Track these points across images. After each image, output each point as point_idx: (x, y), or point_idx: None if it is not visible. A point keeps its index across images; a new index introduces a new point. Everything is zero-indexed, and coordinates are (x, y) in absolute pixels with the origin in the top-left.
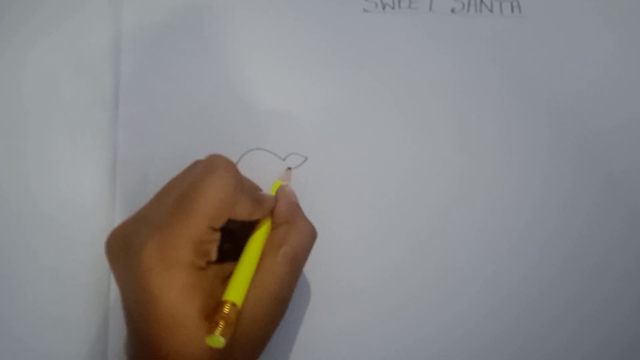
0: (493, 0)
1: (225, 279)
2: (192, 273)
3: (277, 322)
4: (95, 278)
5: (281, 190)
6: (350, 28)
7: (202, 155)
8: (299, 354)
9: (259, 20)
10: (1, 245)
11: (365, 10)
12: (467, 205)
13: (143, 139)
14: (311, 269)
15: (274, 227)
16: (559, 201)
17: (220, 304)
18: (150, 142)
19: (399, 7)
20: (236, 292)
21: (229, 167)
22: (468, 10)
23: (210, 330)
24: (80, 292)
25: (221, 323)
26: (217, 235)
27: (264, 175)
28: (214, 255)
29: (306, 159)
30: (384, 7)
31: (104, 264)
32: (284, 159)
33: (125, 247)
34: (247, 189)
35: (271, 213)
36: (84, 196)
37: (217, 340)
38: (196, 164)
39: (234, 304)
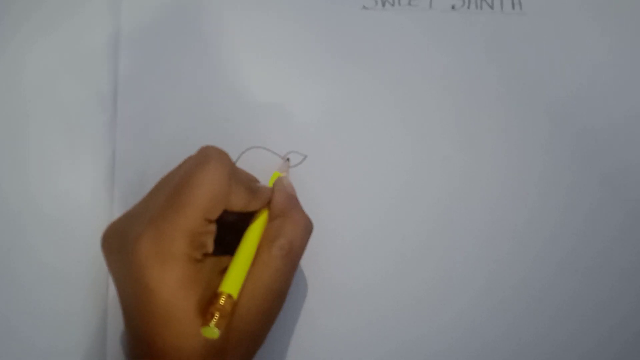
0: None
1: (222, 271)
2: (188, 266)
3: (274, 315)
4: (93, 276)
5: (279, 182)
6: (349, 25)
7: None
8: (297, 353)
9: (257, 18)
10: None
11: (364, 7)
12: (465, 204)
13: (141, 139)
14: (310, 266)
15: (270, 219)
16: (558, 200)
17: (215, 295)
18: (149, 141)
19: (399, 4)
20: (232, 284)
21: (222, 157)
22: (468, 7)
23: (205, 322)
24: (79, 290)
25: (216, 314)
26: (213, 227)
27: (263, 174)
28: (210, 247)
29: (305, 157)
30: (383, 4)
31: (102, 261)
32: (282, 157)
33: (120, 241)
34: (241, 179)
35: (268, 205)
36: (82, 195)
37: (212, 331)
38: (189, 158)
39: (229, 296)
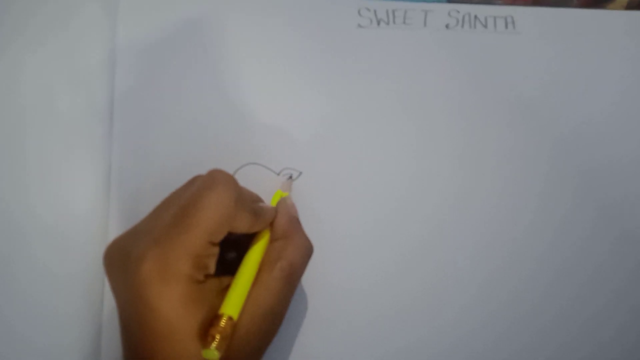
0: (487, 17)
1: (223, 291)
2: (191, 286)
3: (272, 335)
4: (89, 288)
5: (282, 203)
6: (345, 43)
7: (195, 168)
8: (295, 356)
9: (253, 35)
10: None
11: (360, 26)
12: (463, 217)
13: (137, 152)
14: (309, 280)
15: (272, 241)
16: (557, 212)
17: (217, 317)
18: (145, 155)
19: (394, 22)
20: (233, 305)
21: (229, 182)
22: (462, 26)
23: (207, 344)
24: (73, 303)
25: (217, 336)
26: (216, 250)
27: (259, 190)
28: (212, 269)
29: (300, 173)
30: (378, 23)
31: (97, 274)
32: (278, 174)
33: (123, 259)
34: (247, 202)
35: (271, 225)
36: (78, 208)
37: (213, 353)
38: (196, 178)
39: (230, 318)
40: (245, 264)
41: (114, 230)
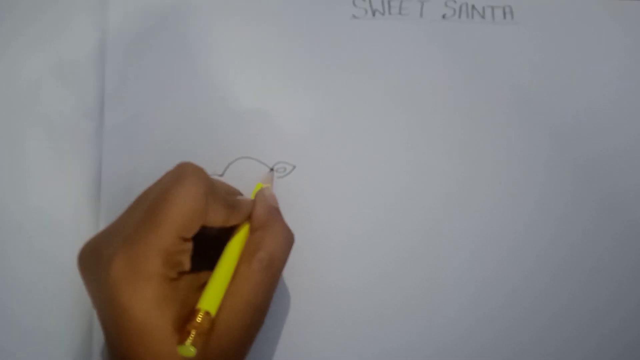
0: (485, 7)
1: (201, 288)
2: (163, 285)
3: (255, 330)
4: (78, 290)
5: (260, 193)
6: (339, 35)
7: None
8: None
9: (246, 28)
10: None
11: (354, 17)
12: (461, 213)
13: (128, 149)
14: (301, 277)
15: (251, 232)
16: (556, 209)
17: (193, 312)
18: (135, 152)
19: (389, 13)
20: (210, 300)
21: (199, 174)
22: (459, 17)
23: (182, 340)
24: (63, 305)
25: (192, 332)
26: (189, 245)
27: (252, 184)
28: (186, 265)
29: (294, 167)
30: (373, 14)
31: None
32: (271, 168)
33: (95, 260)
34: (220, 195)
35: (249, 217)
36: (67, 206)
37: (188, 349)
38: (167, 174)
39: (207, 313)
40: (224, 257)
41: (104, 224)
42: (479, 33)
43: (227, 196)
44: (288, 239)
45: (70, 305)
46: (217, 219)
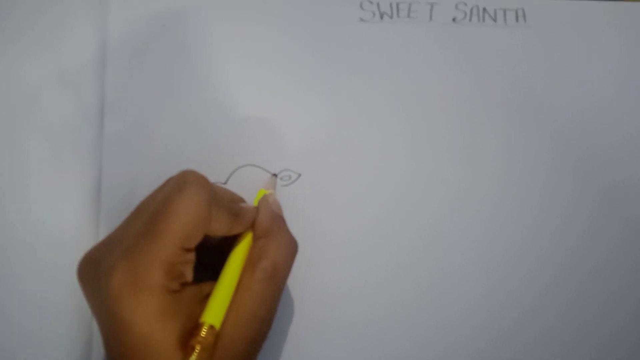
0: (497, 9)
1: (205, 298)
2: (165, 297)
3: (260, 342)
4: (78, 300)
5: (263, 200)
6: (346, 38)
7: None
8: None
9: (250, 33)
10: None
11: (362, 20)
12: (464, 220)
13: (129, 156)
14: (307, 285)
15: (254, 240)
16: (556, 212)
17: (197, 326)
18: (136, 159)
19: (398, 16)
20: (214, 313)
21: (201, 182)
22: (470, 20)
23: (186, 356)
24: (63, 315)
25: (197, 347)
26: (192, 256)
27: (256, 192)
28: (189, 277)
29: (299, 175)
30: (381, 17)
31: None
32: (274, 174)
33: (95, 272)
34: (223, 203)
35: (253, 224)
36: (67, 214)
37: None
38: (168, 180)
39: (211, 327)
40: (227, 268)
41: (104, 233)
42: (490, 37)
43: (230, 204)
44: (292, 248)
45: (70, 316)
46: (220, 227)
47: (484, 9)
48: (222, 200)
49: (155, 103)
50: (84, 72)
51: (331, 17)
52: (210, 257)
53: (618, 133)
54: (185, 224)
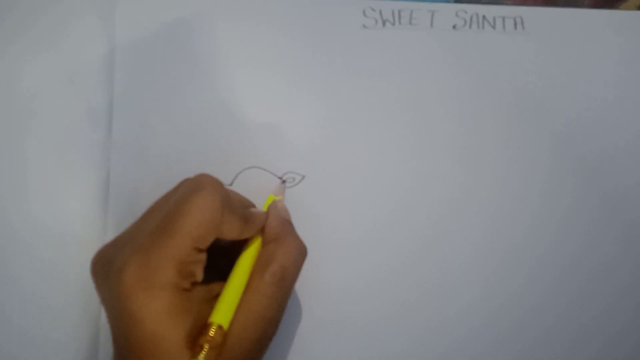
0: (496, 17)
1: (213, 299)
2: (176, 295)
3: (266, 344)
4: (86, 299)
5: (273, 206)
6: (349, 44)
7: (196, 172)
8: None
9: (255, 38)
10: None
11: (364, 27)
12: (466, 221)
13: (136, 158)
14: (311, 285)
15: (263, 245)
16: (556, 213)
17: (205, 326)
18: (144, 160)
19: (399, 23)
20: (223, 314)
21: (216, 186)
22: (470, 27)
23: (194, 354)
24: (71, 314)
25: (205, 346)
26: (203, 256)
27: (260, 194)
28: (199, 276)
29: (303, 177)
30: (383, 23)
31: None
32: (280, 177)
33: (107, 268)
34: (235, 208)
35: (262, 230)
36: (74, 217)
37: None
38: (183, 182)
39: (220, 327)
40: (236, 270)
41: (112, 234)
42: (489, 43)
43: (241, 209)
44: (301, 252)
45: (76, 316)
46: (231, 231)
47: (484, 17)
48: (235, 205)
49: (162, 105)
50: (92, 75)
51: (335, 23)
52: (219, 260)
53: (616, 137)
54: (198, 225)
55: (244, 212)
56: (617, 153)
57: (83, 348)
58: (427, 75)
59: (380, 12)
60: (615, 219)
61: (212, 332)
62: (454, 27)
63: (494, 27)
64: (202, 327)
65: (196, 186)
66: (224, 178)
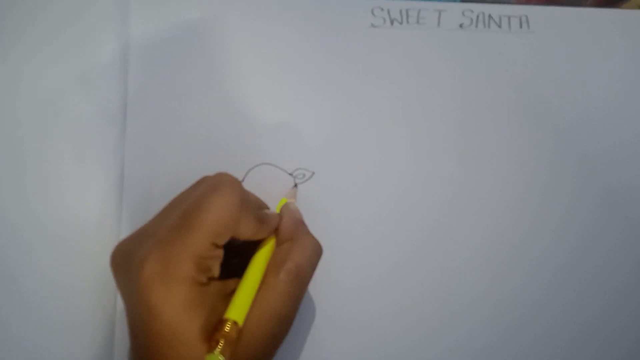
0: (502, 16)
1: (228, 296)
2: (193, 288)
3: (280, 341)
4: (101, 293)
5: (285, 207)
6: (357, 43)
7: (208, 169)
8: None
9: (266, 36)
10: (7, 260)
11: (372, 26)
12: (474, 217)
13: (150, 154)
14: (321, 279)
15: (278, 244)
16: (557, 213)
17: (221, 321)
18: (158, 157)
19: (407, 22)
20: (238, 310)
21: (235, 185)
22: (476, 26)
23: (210, 349)
24: (86, 307)
25: (221, 341)
26: (220, 252)
27: (271, 191)
28: (216, 272)
29: (313, 174)
30: (391, 23)
31: (109, 278)
32: (290, 174)
33: (127, 261)
34: (252, 208)
35: (276, 231)
36: (90, 210)
37: (217, 358)
38: (203, 179)
39: (235, 323)
40: (251, 268)
41: (126, 234)
42: (495, 42)
43: (257, 210)
44: (316, 251)
45: (91, 311)
46: (247, 231)
47: (490, 16)
48: (251, 206)
49: (175, 103)
50: (107, 73)
51: (343, 22)
52: (233, 258)
53: (619, 136)
54: (217, 221)
55: (259, 213)
56: (619, 151)
57: (100, 334)
58: (435, 74)
59: (389, 11)
60: (616, 218)
61: (227, 328)
62: (460, 26)
63: (499, 26)
64: (217, 322)
65: (216, 184)
66: (236, 175)
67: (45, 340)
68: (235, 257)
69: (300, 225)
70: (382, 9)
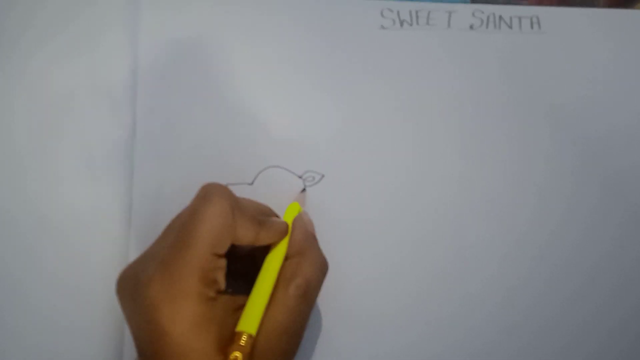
0: (512, 17)
1: (237, 310)
2: (201, 304)
3: (291, 355)
4: (110, 295)
5: (298, 219)
6: (367, 45)
7: (217, 174)
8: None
9: (276, 38)
10: (16, 263)
11: (382, 27)
12: (485, 218)
13: (160, 158)
14: (330, 283)
15: (287, 258)
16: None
17: (236, 335)
18: (167, 161)
19: (417, 23)
20: (251, 322)
21: (223, 192)
22: (487, 27)
23: None
24: (96, 309)
25: (239, 356)
26: (223, 262)
27: (281, 194)
28: (222, 284)
29: (323, 176)
30: (401, 24)
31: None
32: (300, 177)
33: (132, 285)
34: (247, 212)
35: (287, 242)
36: (99, 215)
37: None
38: (194, 196)
39: (250, 336)
40: (261, 281)
41: (135, 236)
42: (506, 43)
43: (254, 213)
44: (323, 267)
45: (100, 322)
46: (246, 234)
47: (500, 17)
48: (246, 209)
49: (184, 107)
50: (117, 78)
51: (353, 24)
52: (240, 271)
53: (632, 137)
54: (211, 230)
55: (256, 217)
56: (629, 153)
57: (109, 336)
58: (445, 74)
59: (398, 12)
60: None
61: (242, 342)
62: (471, 27)
63: (510, 27)
64: (231, 336)
65: (205, 195)
66: (246, 178)
67: (55, 343)
68: (242, 271)
69: (310, 239)
70: (392, 11)
